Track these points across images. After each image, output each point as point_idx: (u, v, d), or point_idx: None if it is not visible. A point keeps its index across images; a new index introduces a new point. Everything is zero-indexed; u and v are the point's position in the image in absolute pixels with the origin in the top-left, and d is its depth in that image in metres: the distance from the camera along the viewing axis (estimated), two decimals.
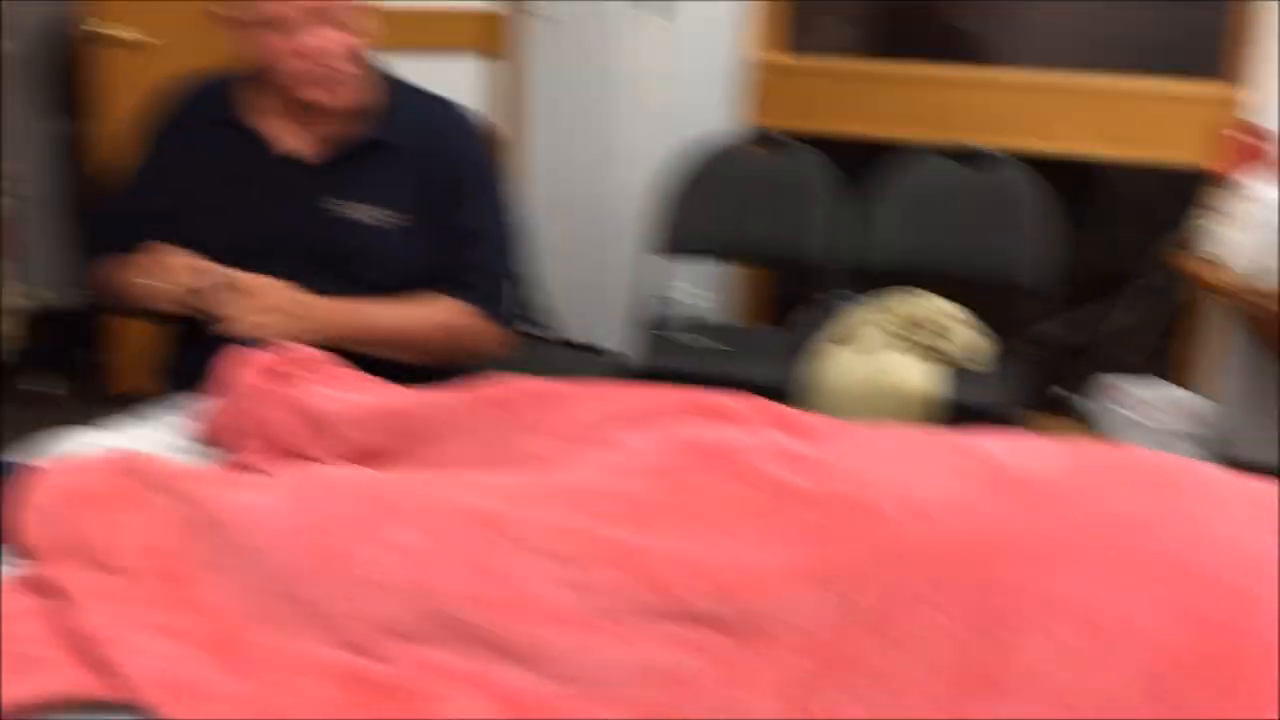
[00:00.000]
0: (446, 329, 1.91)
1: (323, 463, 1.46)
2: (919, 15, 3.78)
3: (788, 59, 3.55)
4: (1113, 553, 1.03)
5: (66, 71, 3.56)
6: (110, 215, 2.02)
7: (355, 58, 1.83)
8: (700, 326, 3.23)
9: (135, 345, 1.99)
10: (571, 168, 3.82)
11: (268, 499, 1.27)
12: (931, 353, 2.83)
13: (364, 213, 1.87)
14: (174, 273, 1.77)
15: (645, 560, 1.14)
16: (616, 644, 1.10)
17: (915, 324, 2.88)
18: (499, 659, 1.14)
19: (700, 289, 3.73)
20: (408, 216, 1.89)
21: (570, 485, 1.26)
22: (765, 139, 3.34)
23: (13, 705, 1.12)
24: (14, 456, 1.57)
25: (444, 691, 1.12)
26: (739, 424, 1.35)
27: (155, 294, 1.79)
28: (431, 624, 1.16)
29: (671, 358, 2.88)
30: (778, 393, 2.71)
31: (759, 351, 2.96)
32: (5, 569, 1.32)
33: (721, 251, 3.27)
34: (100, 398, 3.42)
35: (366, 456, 1.49)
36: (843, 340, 2.87)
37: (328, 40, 1.76)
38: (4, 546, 1.33)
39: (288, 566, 1.20)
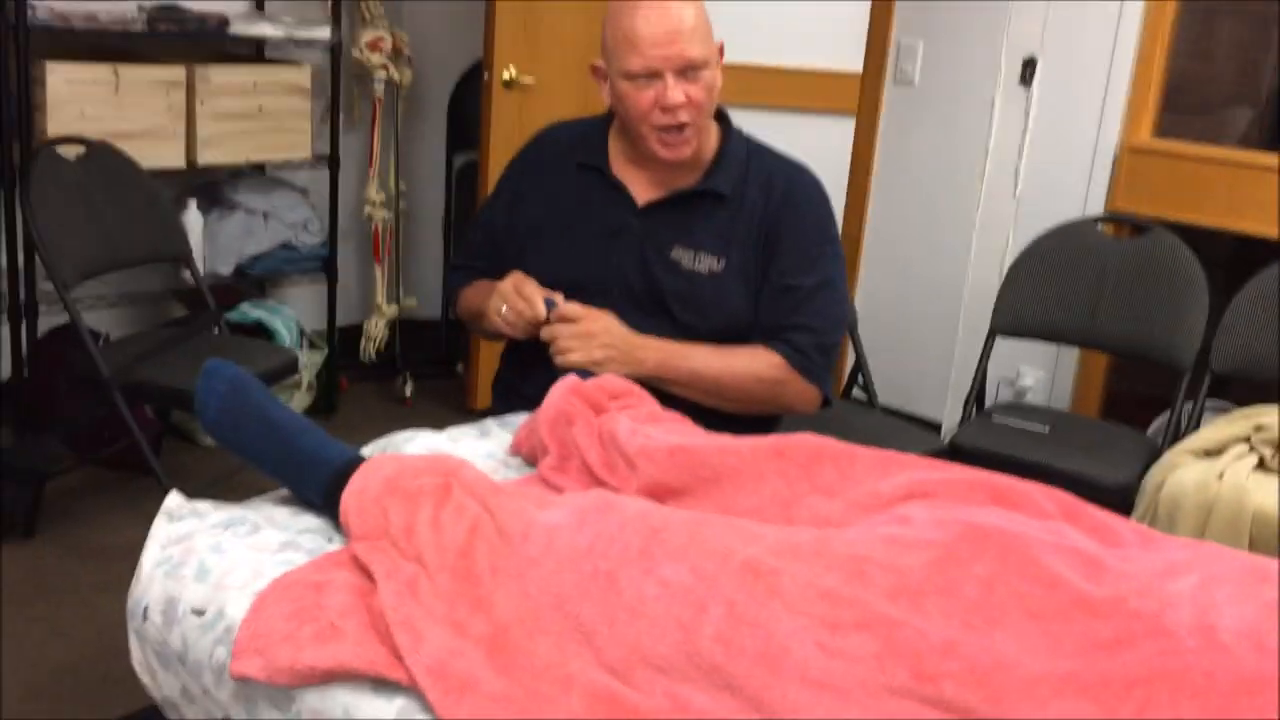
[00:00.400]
0: (764, 381, 1.94)
1: (614, 489, 1.52)
2: None
3: (1157, 143, 3.34)
4: None
5: (466, 108, 3.92)
6: (471, 238, 2.20)
7: (708, 111, 1.91)
8: (1032, 411, 3.09)
9: (490, 365, 2.17)
10: (911, 233, 3.78)
11: (554, 517, 1.34)
12: None
13: (691, 258, 1.94)
14: (528, 301, 1.89)
15: (908, 637, 1.11)
16: (865, 716, 1.08)
17: None
18: (748, 709, 1.14)
19: (1040, 372, 3.58)
20: (733, 265, 1.94)
21: (845, 550, 1.24)
22: (1126, 222, 3.16)
23: (309, 669, 1.25)
24: (366, 441, 1.75)
25: None
26: (1033, 514, 1.29)
27: (506, 319, 1.92)
28: (686, 662, 1.18)
29: (993, 438, 2.76)
30: (1104, 492, 2.58)
31: (1091, 445, 2.78)
32: (329, 544, 1.47)
33: (1067, 337, 3.11)
34: (458, 408, 3.72)
35: (658, 490, 1.53)
36: (1199, 449, 2.63)
37: (690, 96, 1.85)
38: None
39: (562, 582, 1.27)
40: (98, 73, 3.03)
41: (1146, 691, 1.00)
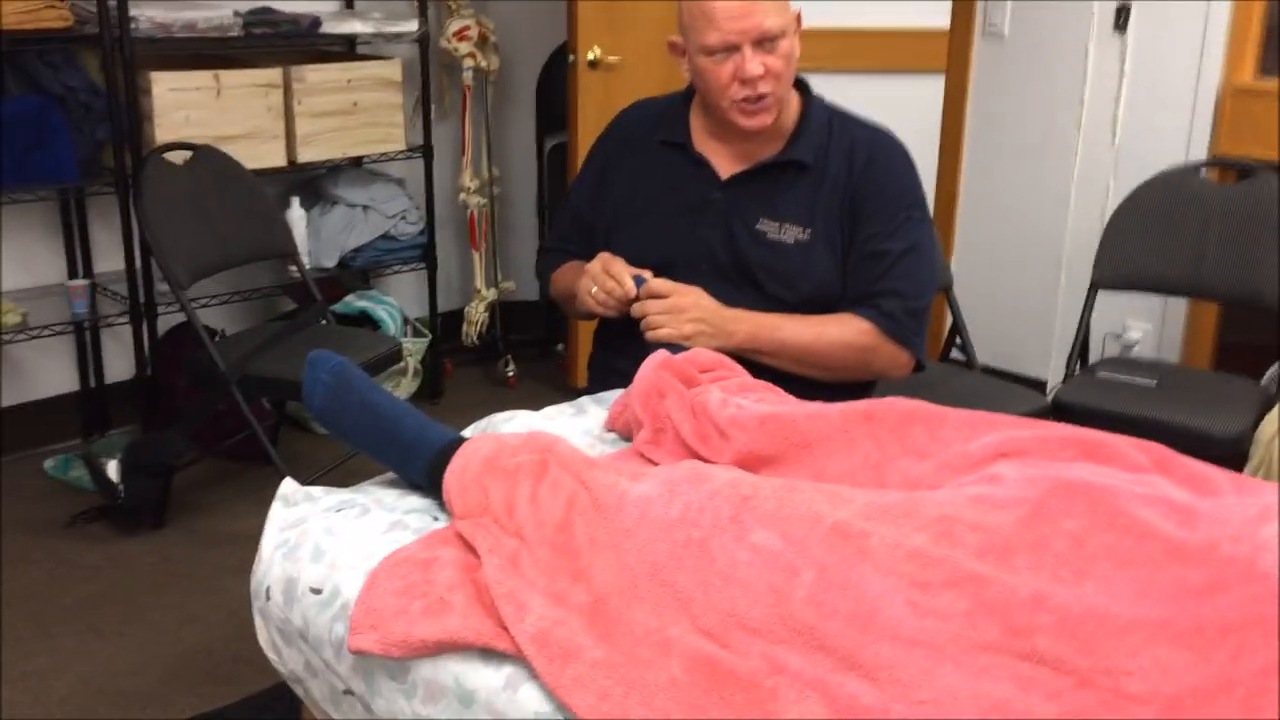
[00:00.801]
0: (855, 348, 1.95)
1: (707, 460, 1.55)
2: None
3: (1260, 83, 3.23)
4: None
5: (554, 91, 3.97)
6: (560, 220, 2.25)
7: (787, 81, 1.92)
8: (1139, 365, 3.03)
9: (589, 344, 2.23)
10: (1007, 189, 3.72)
11: (646, 488, 1.37)
12: None
13: (776, 229, 1.95)
14: (617, 280, 1.93)
15: (998, 594, 1.12)
16: (958, 672, 1.10)
17: None
18: (842, 669, 1.16)
19: (1146, 325, 3.50)
20: (819, 234, 1.95)
21: (933, 511, 1.25)
22: (1230, 166, 3.07)
23: (421, 642, 1.30)
24: (471, 423, 1.81)
25: (785, 691, 1.16)
26: (1125, 468, 1.28)
27: (597, 299, 1.97)
28: (781, 625, 1.21)
29: (1098, 394, 2.72)
30: (1216, 444, 2.52)
31: (1202, 397, 2.72)
32: (435, 523, 1.53)
33: (1173, 288, 3.03)
34: (559, 386, 3.79)
35: (751, 459, 1.56)
36: None
37: (768, 67, 1.86)
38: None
39: (657, 552, 1.30)
40: (199, 79, 3.15)
41: (1240, 637, 1.00)
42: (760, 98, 1.88)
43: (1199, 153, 3.25)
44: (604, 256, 1.97)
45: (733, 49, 1.85)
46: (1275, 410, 2.55)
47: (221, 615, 2.58)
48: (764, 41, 1.86)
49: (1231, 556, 1.07)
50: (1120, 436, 1.36)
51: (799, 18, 1.93)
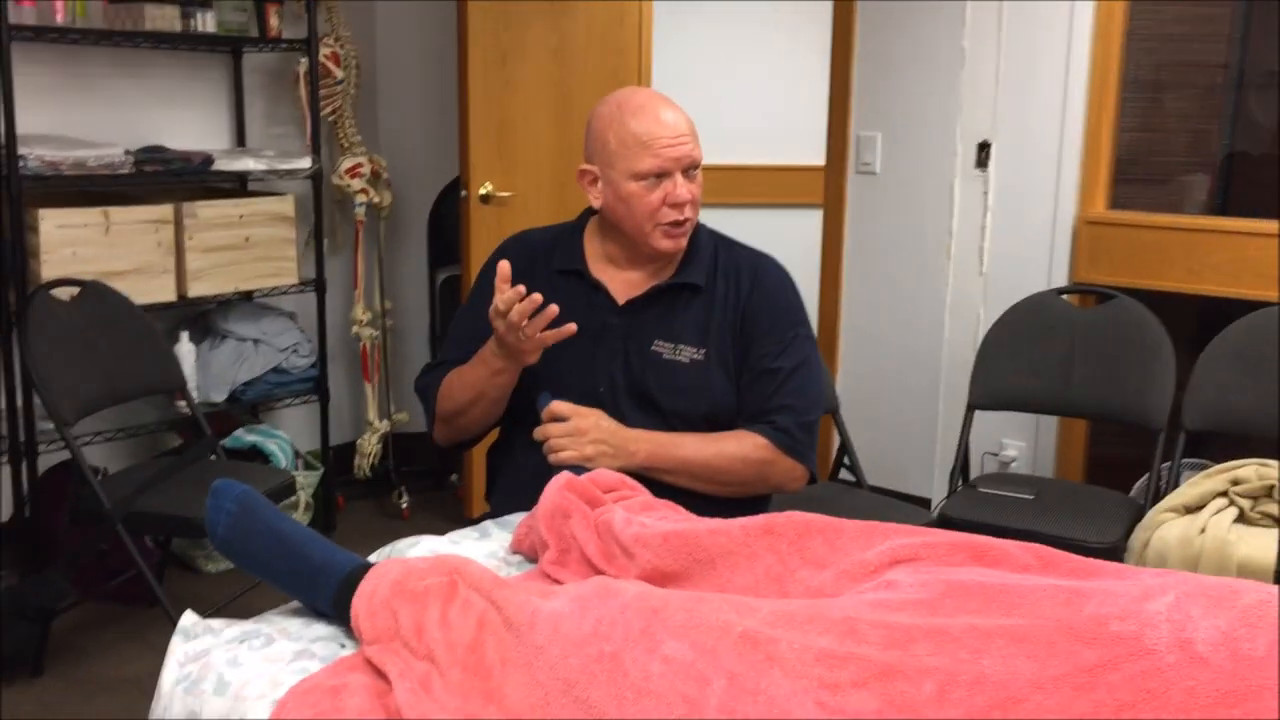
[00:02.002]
0: (752, 463, 2.01)
1: (614, 578, 1.57)
2: (1263, 168, 3.62)
3: (1112, 214, 3.47)
4: None
5: (446, 224, 4.05)
6: (451, 341, 2.24)
7: (698, 205, 2.03)
8: (1017, 480, 3.16)
9: (483, 474, 2.23)
10: (885, 316, 3.89)
11: (557, 605, 1.39)
12: (1277, 524, 2.62)
13: (672, 349, 2.02)
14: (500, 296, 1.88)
15: (902, 690, 1.17)
16: None
17: (1264, 493, 2.67)
18: None
19: (1021, 442, 3.66)
20: (712, 354, 2.02)
21: (838, 614, 1.30)
22: (1090, 292, 3.28)
23: None
24: (365, 557, 1.80)
25: None
26: (1012, 569, 1.35)
27: (503, 323, 1.89)
28: None
29: (980, 508, 2.83)
30: (1092, 553, 2.63)
31: (1077, 509, 2.85)
32: (342, 650, 1.52)
33: (1043, 406, 3.20)
34: (454, 518, 3.77)
35: (656, 576, 1.59)
36: (1180, 506, 2.70)
37: (692, 192, 1.99)
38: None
39: (569, 668, 1.32)
40: (88, 216, 3.14)
41: (1134, 712, 1.06)
42: (684, 221, 1.99)
43: (1060, 279, 3.47)
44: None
45: (664, 175, 1.96)
46: (1145, 520, 2.69)
47: None
48: (690, 170, 1.99)
49: (1120, 634, 1.14)
50: (1005, 540, 1.43)
51: None
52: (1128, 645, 1.12)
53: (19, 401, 3.12)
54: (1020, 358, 3.14)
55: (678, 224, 1.99)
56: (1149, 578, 1.30)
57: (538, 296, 1.88)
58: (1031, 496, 2.91)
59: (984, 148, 3.62)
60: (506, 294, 1.89)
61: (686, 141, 1.97)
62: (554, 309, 1.89)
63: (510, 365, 1.98)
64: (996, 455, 3.68)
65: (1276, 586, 1.22)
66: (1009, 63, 3.54)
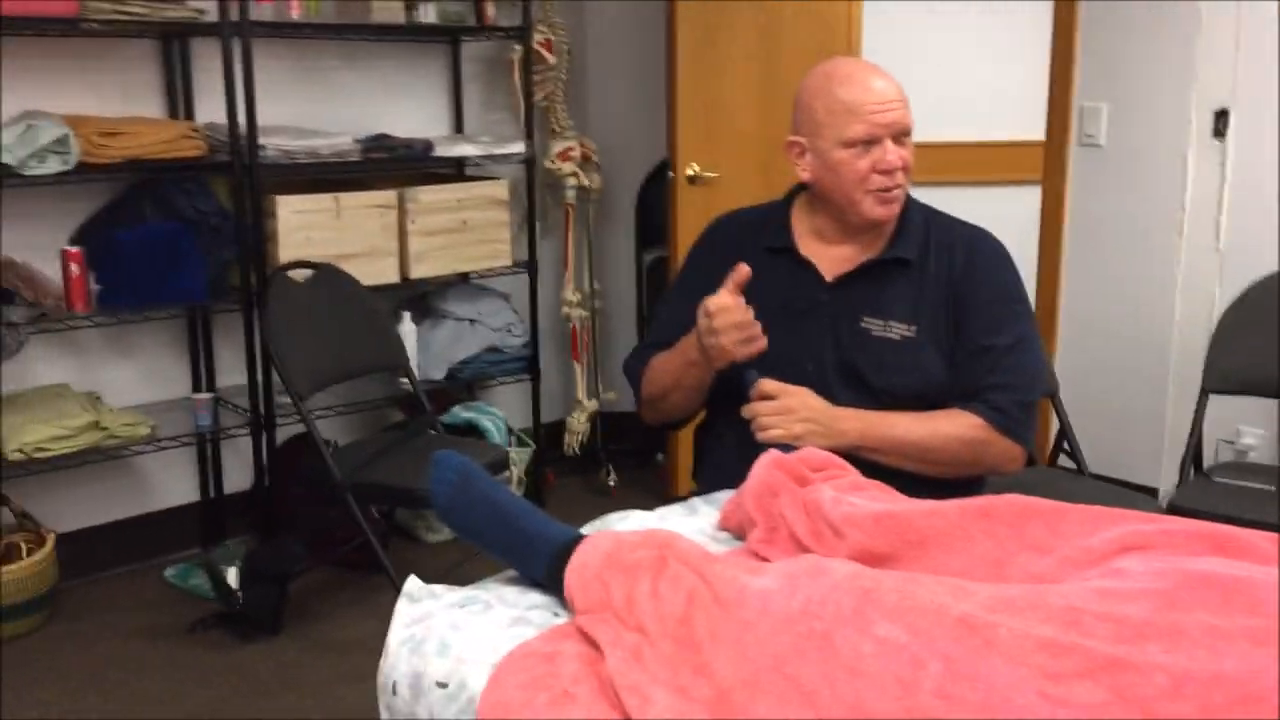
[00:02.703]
0: (967, 443, 1.95)
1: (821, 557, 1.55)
2: None
3: None
4: None
5: (653, 206, 4.09)
6: (659, 323, 2.27)
7: (909, 172, 1.99)
8: (1256, 470, 2.96)
9: (690, 453, 2.25)
10: (1109, 296, 3.70)
11: (766, 582, 1.39)
12: None
13: (882, 326, 1.98)
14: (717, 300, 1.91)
15: (1135, 681, 1.11)
16: None
17: None
18: None
19: (1260, 430, 3.42)
20: (924, 330, 1.97)
21: (1060, 602, 1.24)
22: None
23: None
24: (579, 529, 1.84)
25: None
26: (1258, 561, 1.26)
27: (710, 327, 1.91)
28: (909, 718, 1.20)
29: (1215, 499, 2.66)
30: None
31: None
32: (556, 618, 1.56)
33: None
34: (660, 496, 3.82)
35: (866, 557, 1.56)
36: None
37: (903, 157, 1.96)
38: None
39: (779, 644, 1.31)
40: (321, 202, 3.32)
41: None
42: (894, 188, 1.96)
43: None
44: (703, 307, 1.93)
45: (874, 141, 1.94)
46: None
47: None
48: (900, 136, 1.96)
49: None
50: (1249, 530, 1.34)
51: None
52: None
53: (259, 377, 3.33)
54: (1261, 339, 2.93)
55: (888, 190, 1.96)
56: None
57: (745, 271, 1.87)
58: (1273, 488, 2.72)
59: (1221, 116, 3.39)
60: (722, 295, 1.90)
61: (896, 107, 1.94)
62: (762, 342, 1.91)
63: (703, 361, 1.98)
64: (1233, 444, 3.46)
65: None
66: (1250, 20, 3.29)
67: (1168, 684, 1.09)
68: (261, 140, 3.22)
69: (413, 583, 1.66)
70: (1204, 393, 2.98)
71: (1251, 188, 3.36)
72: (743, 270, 1.91)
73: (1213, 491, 2.74)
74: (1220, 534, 1.34)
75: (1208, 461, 3.13)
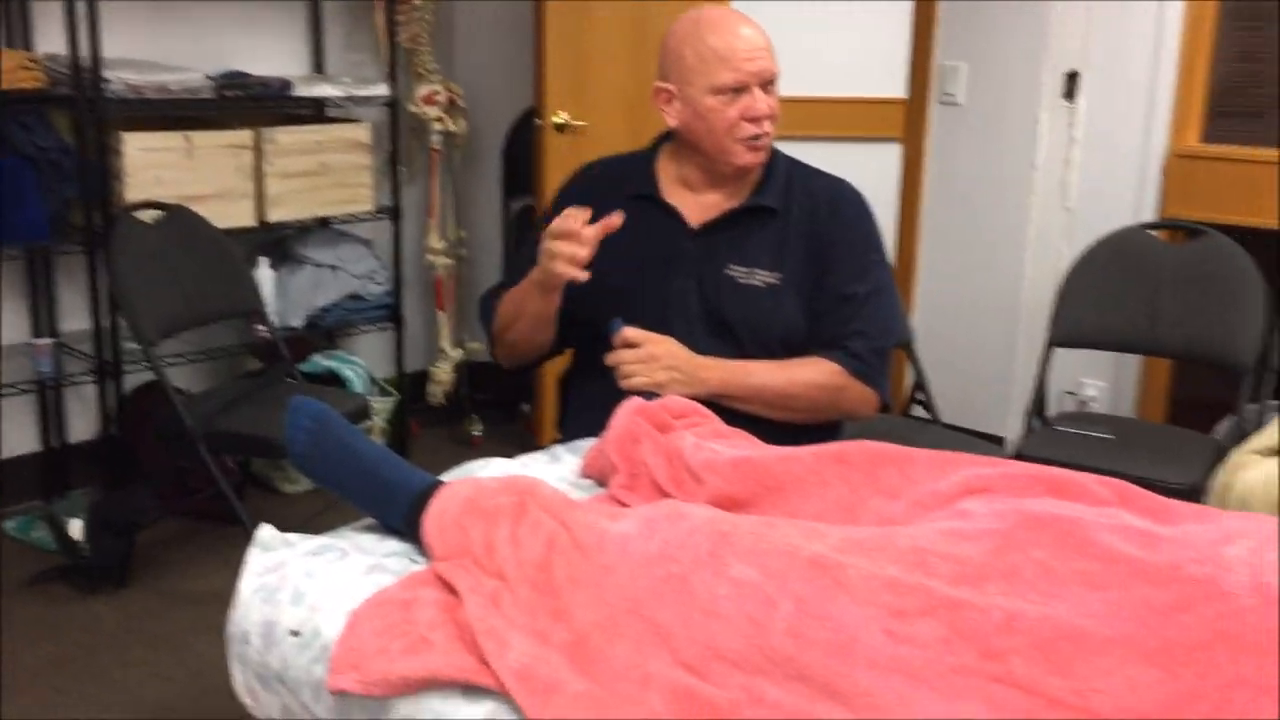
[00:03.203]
0: (825, 389, 2.00)
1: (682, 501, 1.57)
2: None
3: (1205, 148, 3.35)
4: None
5: (520, 154, 4.04)
6: (517, 266, 2.24)
7: (776, 118, 2.01)
8: (1096, 419, 3.10)
9: (555, 403, 2.25)
10: (965, 251, 3.81)
11: (626, 527, 1.40)
12: None
13: (746, 274, 2.00)
14: (564, 222, 1.88)
15: (972, 619, 1.16)
16: (934, 697, 1.12)
17: None
18: (821, 698, 1.19)
19: (1101, 382, 3.58)
20: (787, 278, 2.00)
21: (907, 543, 1.29)
22: (1180, 228, 3.18)
23: (401, 679, 1.32)
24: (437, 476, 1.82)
25: None
26: (1089, 502, 1.33)
27: (552, 251, 1.88)
28: (760, 656, 1.23)
29: (1057, 447, 2.78)
30: (1172, 494, 2.58)
31: (1157, 449, 2.79)
32: (414, 565, 1.54)
33: (1126, 344, 3.12)
34: (525, 446, 3.80)
35: (725, 502, 1.58)
36: (1265, 449, 2.63)
37: (770, 105, 1.98)
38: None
39: (637, 588, 1.32)
40: (171, 140, 3.18)
41: (1208, 654, 1.04)
42: (763, 135, 1.98)
43: (1149, 214, 3.37)
44: (550, 228, 1.92)
45: (744, 89, 1.95)
46: (1229, 461, 2.62)
47: (186, 673, 2.55)
48: (768, 84, 1.98)
49: (1195, 577, 1.12)
50: (1083, 473, 1.40)
51: None
52: (1203, 588, 1.10)
53: (104, 322, 3.19)
54: (1104, 295, 3.06)
55: (756, 138, 1.98)
56: (1229, 521, 1.26)
57: (616, 220, 1.87)
58: (1111, 436, 2.86)
59: (1072, 78, 3.51)
60: (569, 220, 1.87)
61: (764, 55, 1.96)
62: (617, 220, 1.88)
63: (543, 279, 1.94)
64: (1075, 395, 3.62)
65: None
66: None
67: (1002, 620, 1.14)
68: (106, 74, 3.06)
69: (265, 531, 1.63)
70: (1049, 345, 3.11)
71: (1098, 148, 3.49)
72: (614, 220, 1.89)
73: (1055, 440, 2.86)
74: (1056, 477, 1.40)
75: (1053, 411, 3.27)
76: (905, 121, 3.82)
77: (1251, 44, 3.53)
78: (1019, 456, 2.77)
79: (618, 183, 2.12)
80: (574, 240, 1.88)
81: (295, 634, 1.46)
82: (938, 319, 3.87)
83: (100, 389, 3.24)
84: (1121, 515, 1.27)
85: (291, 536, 1.63)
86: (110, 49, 3.10)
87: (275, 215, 3.42)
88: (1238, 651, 1.03)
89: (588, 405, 2.07)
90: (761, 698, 1.21)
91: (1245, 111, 3.56)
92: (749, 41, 1.95)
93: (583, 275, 1.89)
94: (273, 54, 3.66)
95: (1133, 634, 1.08)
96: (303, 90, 3.49)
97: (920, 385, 3.14)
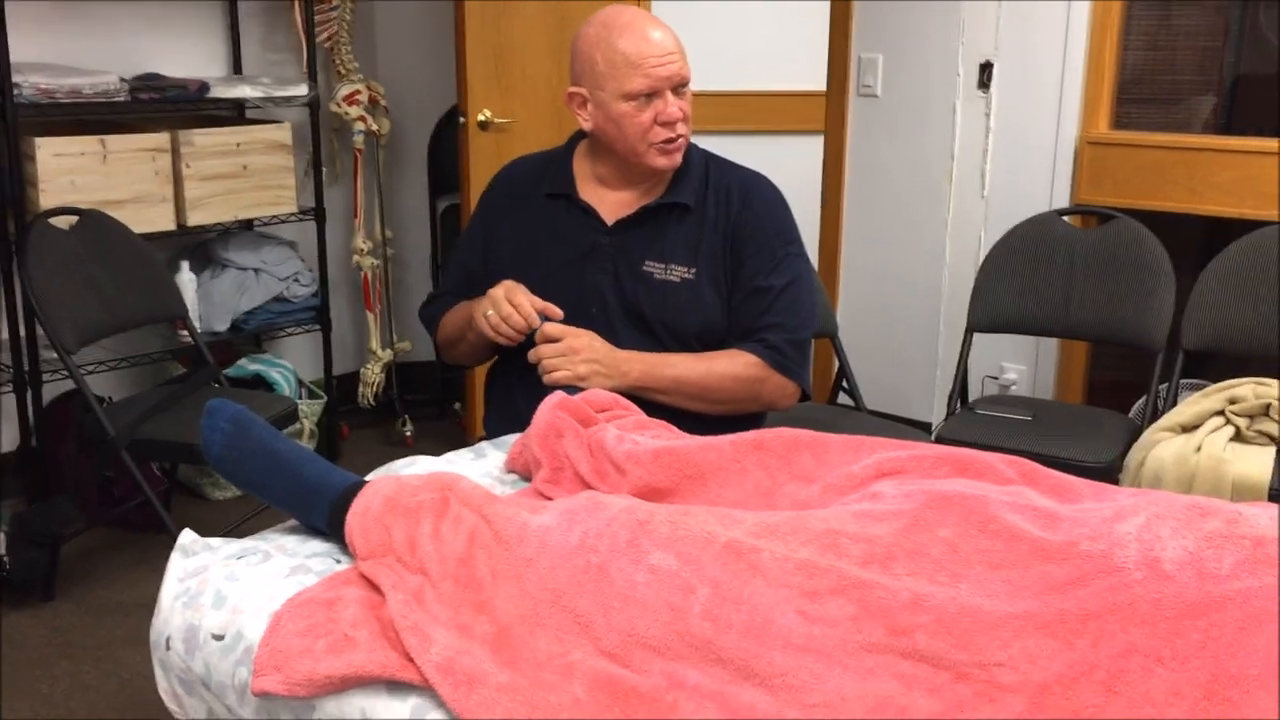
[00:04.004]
0: (743, 380, 2.02)
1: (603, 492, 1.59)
2: (1271, 88, 3.57)
3: (1114, 134, 3.44)
4: None
5: (445, 153, 4.03)
6: (450, 272, 2.29)
7: (690, 122, 2.03)
8: (1015, 402, 3.17)
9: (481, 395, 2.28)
10: (887, 241, 3.88)
11: (546, 519, 1.42)
12: (1272, 442, 2.63)
13: (663, 269, 2.03)
14: (518, 309, 1.97)
15: (880, 597, 1.19)
16: (846, 674, 1.15)
17: (1260, 412, 2.67)
18: (739, 679, 1.21)
19: (1021, 365, 3.66)
20: (703, 272, 2.03)
21: (820, 526, 1.32)
22: (1091, 213, 3.26)
23: (325, 679, 1.32)
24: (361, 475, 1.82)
25: (684, 704, 1.21)
26: (994, 481, 1.37)
27: (491, 321, 1.98)
28: (679, 641, 1.25)
29: (977, 429, 2.84)
30: (1089, 473, 2.65)
31: (1074, 429, 2.87)
32: (337, 565, 1.55)
33: (1043, 328, 3.19)
34: (458, 445, 3.79)
35: (647, 492, 1.61)
36: (1176, 426, 2.71)
37: (683, 110, 1.99)
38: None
39: (557, 579, 1.34)
40: (85, 144, 3.13)
41: (1099, 623, 1.08)
42: (677, 138, 1.99)
43: (1062, 200, 3.45)
44: (507, 284, 2.00)
45: (655, 94, 1.96)
46: (1142, 439, 2.70)
47: (114, 685, 2.52)
48: (680, 88, 1.98)
49: (1089, 553, 1.16)
50: (989, 453, 1.45)
51: None
52: (1096, 563, 1.15)
53: (22, 331, 3.14)
54: (1020, 280, 3.13)
55: (671, 141, 1.99)
56: (1124, 498, 1.31)
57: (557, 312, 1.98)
58: (1029, 418, 2.93)
59: (986, 68, 3.58)
60: (521, 316, 1.96)
61: (675, 60, 1.97)
62: (557, 312, 1.98)
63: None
64: (997, 379, 3.69)
65: (1247, 506, 1.24)
66: None
67: (910, 599, 1.17)
68: (16, 78, 3.00)
69: (187, 536, 1.62)
70: (969, 331, 3.17)
71: (1012, 137, 3.57)
72: (556, 311, 1.98)
73: (976, 423, 2.92)
74: (963, 457, 1.44)
75: (974, 396, 3.34)
76: (826, 114, 3.87)
77: (1159, 32, 3.63)
78: (941, 439, 2.83)
79: (536, 183, 2.13)
80: (511, 315, 1.96)
81: (218, 638, 1.45)
82: (863, 308, 3.93)
83: (19, 399, 3.18)
84: (1025, 493, 1.31)
85: (213, 541, 1.63)
86: (20, 52, 3.05)
87: (195, 219, 3.38)
88: (1128, 622, 1.08)
89: (512, 401, 2.09)
90: (682, 682, 1.23)
91: (1153, 98, 3.66)
92: (659, 46, 1.95)
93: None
94: (189, 55, 3.61)
95: (1031, 609, 1.12)
96: (221, 91, 3.45)
97: (844, 373, 3.19)
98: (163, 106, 3.33)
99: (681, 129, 2.00)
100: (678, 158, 2.03)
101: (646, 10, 2.06)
